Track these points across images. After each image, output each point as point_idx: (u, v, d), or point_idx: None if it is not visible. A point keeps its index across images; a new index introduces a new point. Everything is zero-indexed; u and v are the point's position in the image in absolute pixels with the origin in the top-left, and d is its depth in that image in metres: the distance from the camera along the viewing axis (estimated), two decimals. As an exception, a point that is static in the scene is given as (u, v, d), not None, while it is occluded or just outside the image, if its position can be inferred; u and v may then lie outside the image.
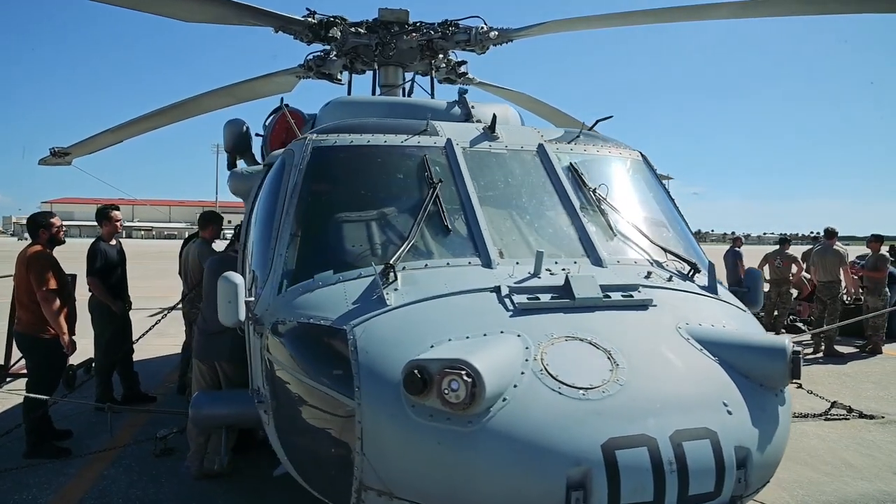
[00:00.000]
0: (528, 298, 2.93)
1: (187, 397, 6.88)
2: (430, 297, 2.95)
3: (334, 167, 3.87)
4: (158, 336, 8.02)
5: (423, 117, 4.38)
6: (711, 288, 3.48)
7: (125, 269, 7.47)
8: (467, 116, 4.72)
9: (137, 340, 7.18)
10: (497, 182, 3.86)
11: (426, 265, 3.24)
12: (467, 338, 2.69)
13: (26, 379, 5.98)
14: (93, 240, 7.33)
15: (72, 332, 5.92)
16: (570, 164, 4.05)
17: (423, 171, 3.77)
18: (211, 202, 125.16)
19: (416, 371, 2.42)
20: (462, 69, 8.40)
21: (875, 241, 11.25)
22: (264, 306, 3.37)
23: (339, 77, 8.57)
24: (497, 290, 2.99)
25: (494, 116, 4.14)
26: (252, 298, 3.62)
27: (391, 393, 2.54)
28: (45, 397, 5.74)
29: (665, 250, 3.68)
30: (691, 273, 3.55)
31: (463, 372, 2.36)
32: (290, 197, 3.70)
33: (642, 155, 4.58)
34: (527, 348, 2.64)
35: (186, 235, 8.65)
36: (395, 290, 3.00)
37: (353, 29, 7.30)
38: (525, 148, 4.11)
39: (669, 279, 3.40)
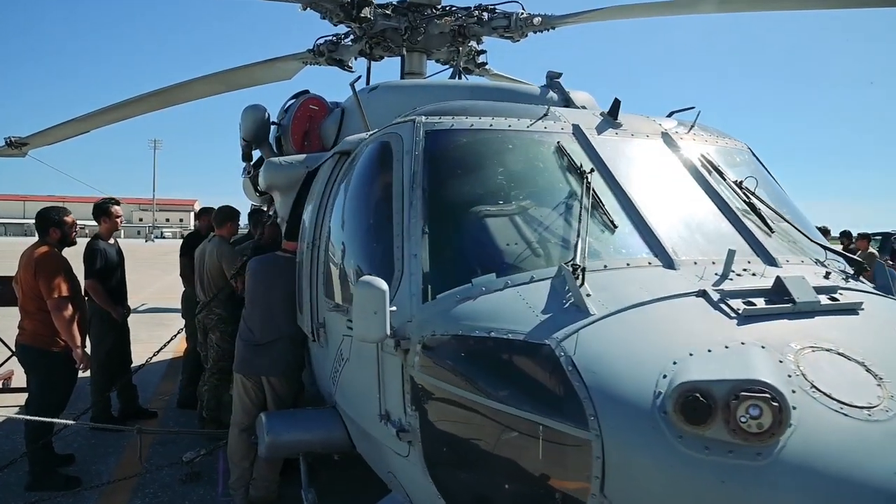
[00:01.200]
0: (744, 303, 2.51)
1: (203, 413, 6.14)
2: (635, 304, 2.48)
3: (458, 153, 3.33)
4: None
5: (517, 102, 3.92)
6: (885, 288, 3.18)
7: (124, 271, 6.62)
8: (566, 102, 4.27)
9: (157, 353, 6.30)
10: (633, 172, 3.42)
11: (605, 266, 2.77)
12: (709, 351, 2.25)
13: (27, 396, 5.13)
14: (84, 239, 6.45)
15: (83, 344, 5.11)
16: (701, 154, 3.66)
17: (561, 159, 3.30)
18: (147, 199, 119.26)
19: (696, 395, 1.96)
20: (482, 59, 7.93)
21: (862, 239, 11.50)
22: (404, 317, 2.81)
23: (350, 65, 7.94)
24: (704, 294, 2.55)
25: (617, 101, 3.70)
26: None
27: (644, 421, 2.06)
28: (53, 421, 4.92)
29: (825, 248, 3.34)
30: (855, 273, 3.23)
31: (766, 395, 1.92)
32: (411, 188, 3.14)
33: (749, 147, 4.26)
34: (780, 362, 2.22)
35: (186, 233, 7.78)
36: (587, 296, 2.52)
37: (382, 11, 6.71)
38: (650, 136, 3.70)
39: (847, 279, 3.06)
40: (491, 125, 3.39)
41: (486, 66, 8.14)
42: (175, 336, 6.71)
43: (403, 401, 2.81)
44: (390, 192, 3.27)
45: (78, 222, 5.23)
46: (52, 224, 5.00)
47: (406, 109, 4.74)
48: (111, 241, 6.45)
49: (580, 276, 2.55)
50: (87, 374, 5.93)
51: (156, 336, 11.46)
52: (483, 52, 7.88)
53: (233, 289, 5.84)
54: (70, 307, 4.83)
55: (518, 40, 6.85)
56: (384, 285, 2.63)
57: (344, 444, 3.78)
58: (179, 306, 14.97)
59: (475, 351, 2.53)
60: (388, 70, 8.49)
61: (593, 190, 3.05)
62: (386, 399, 2.96)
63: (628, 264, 2.82)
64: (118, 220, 6.38)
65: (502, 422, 2.39)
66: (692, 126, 3.94)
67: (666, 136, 3.71)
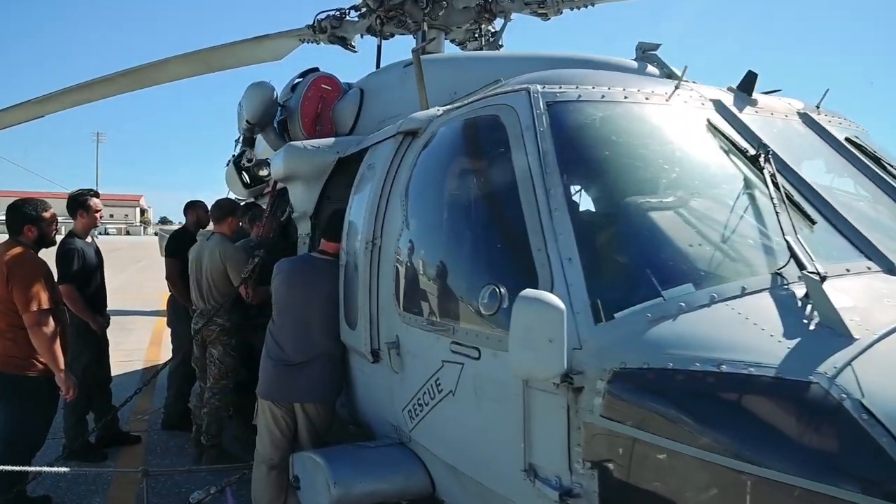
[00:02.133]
0: None
1: (203, 438, 5.22)
2: (903, 324, 1.84)
3: (595, 130, 2.61)
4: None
5: None
6: None
7: (104, 274, 5.60)
8: (669, 77, 3.61)
9: (157, 374, 5.31)
10: (796, 157, 2.78)
11: (825, 274, 2.12)
12: None
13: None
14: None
15: (67, 365, 4.15)
16: (848, 138, 3.07)
17: (720, 140, 2.63)
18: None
19: None
20: (500, 41, 7.21)
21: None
22: (568, 343, 2.08)
23: (353, 44, 7.09)
24: (975, 309, 1.94)
25: (752, 74, 3.06)
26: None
27: None
28: (27, 469, 3.93)
29: None
30: None
31: None
32: (543, 173, 2.40)
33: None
34: None
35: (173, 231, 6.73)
36: (833, 312, 1.86)
37: (401, -19, 5.91)
38: (788, 116, 3.08)
39: None
40: (625, 97, 2.69)
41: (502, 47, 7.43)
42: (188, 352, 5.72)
43: (569, 454, 2.07)
44: (507, 178, 2.52)
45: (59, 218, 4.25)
46: (28, 220, 4.02)
47: (463, 85, 4.01)
48: (88, 239, 5.43)
49: (816, 288, 1.89)
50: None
51: (119, 342, 10.32)
52: (496, 33, 7.16)
53: (239, 296, 4.96)
54: (51, 322, 3.87)
55: (549, 18, 6.16)
56: (560, 303, 1.90)
57: (424, 491, 3.02)
58: (140, 308, 13.69)
59: (699, 391, 1.83)
60: (392, 51, 7.64)
61: (779, 178, 2.39)
62: (534, 450, 2.21)
63: (848, 270, 2.18)
64: (97, 214, 5.36)
65: (752, 489, 1.70)
66: (818, 106, 3.36)
67: (805, 117, 3.10)
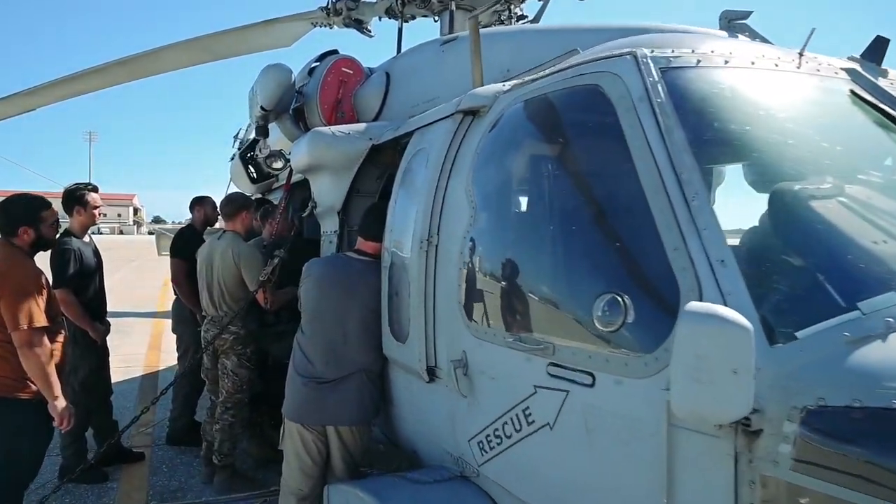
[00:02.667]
0: None
1: (215, 458, 4.68)
2: None
3: (727, 102, 2.10)
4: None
5: None
6: None
7: (103, 277, 5.05)
8: (765, 48, 3.11)
9: (164, 391, 4.76)
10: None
11: None
12: None
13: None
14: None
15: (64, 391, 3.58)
16: None
17: (865, 113, 2.14)
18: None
19: None
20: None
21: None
22: None
23: (369, 28, 6.55)
24: None
25: (883, 40, 2.57)
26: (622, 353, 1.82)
27: None
28: None
29: None
30: None
31: None
32: (671, 153, 1.88)
33: None
34: None
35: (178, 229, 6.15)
36: None
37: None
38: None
39: None
40: (752, 62, 2.19)
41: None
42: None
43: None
44: (619, 161, 2.01)
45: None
46: (25, 221, 3.44)
47: (519, 61, 3.50)
48: (86, 238, 4.87)
49: None
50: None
51: (116, 347, 9.72)
52: (524, 16, 6.64)
53: (255, 301, 4.43)
54: (46, 342, 3.31)
55: (584, -1, 5.66)
56: (746, 322, 1.39)
57: None
58: (136, 309, 13.09)
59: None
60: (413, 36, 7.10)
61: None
62: (681, 508, 1.70)
63: None
64: (96, 211, 4.81)
65: None
66: None
67: None
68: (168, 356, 9.24)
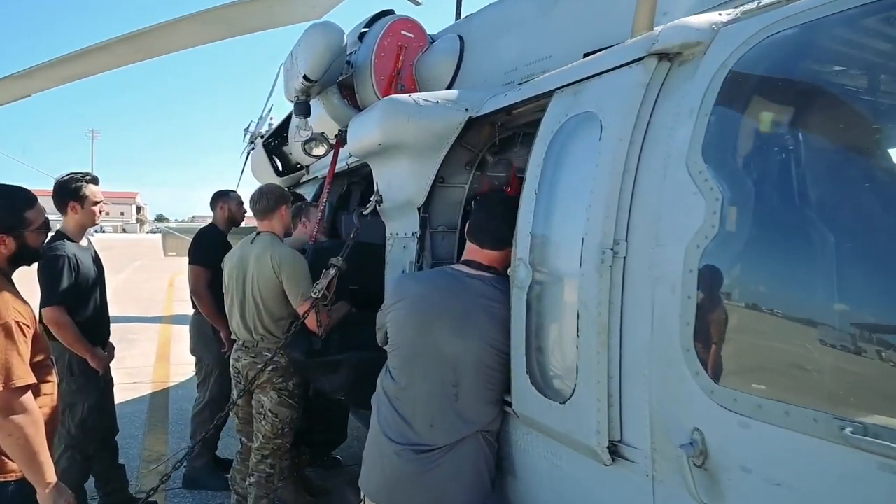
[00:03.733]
0: None
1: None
2: None
3: None
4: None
5: None
6: None
7: (105, 291, 3.97)
8: None
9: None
10: None
11: None
12: None
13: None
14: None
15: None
16: None
17: None
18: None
19: None
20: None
21: None
22: None
23: (420, -11, 5.48)
24: None
25: None
26: None
27: None
28: None
29: None
30: None
31: None
32: None
33: None
34: None
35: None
36: None
37: None
38: None
39: None
40: None
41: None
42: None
43: None
44: None
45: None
46: (3, 227, 2.35)
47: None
48: (83, 242, 3.79)
49: None
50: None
51: (121, 359, 8.61)
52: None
53: (304, 323, 3.36)
54: (32, 405, 2.23)
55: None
56: None
57: None
58: (141, 314, 11.99)
59: None
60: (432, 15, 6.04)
61: None
62: None
63: None
64: (96, 208, 3.72)
65: None
66: None
67: None
68: (179, 369, 8.17)
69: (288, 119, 6.39)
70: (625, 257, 1.78)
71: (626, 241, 1.78)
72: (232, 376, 3.71)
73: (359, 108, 4.05)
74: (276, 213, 3.67)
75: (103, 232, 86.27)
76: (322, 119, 4.38)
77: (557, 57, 2.79)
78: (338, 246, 4.06)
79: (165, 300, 15.32)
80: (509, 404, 2.27)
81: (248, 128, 11.06)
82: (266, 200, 3.65)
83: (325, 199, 4.18)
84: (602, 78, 2.00)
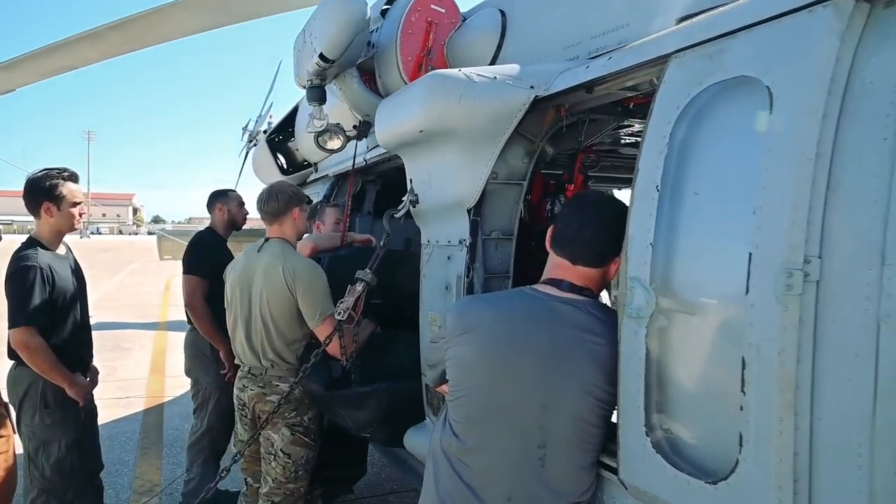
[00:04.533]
0: None
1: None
2: None
3: None
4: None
5: None
6: None
7: (86, 307, 3.35)
8: None
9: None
10: None
11: None
12: None
13: None
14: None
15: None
16: None
17: None
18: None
19: None
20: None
21: None
22: None
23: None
24: None
25: None
26: None
27: None
28: None
29: None
30: None
31: None
32: None
33: None
34: None
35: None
36: None
37: None
38: None
39: None
40: None
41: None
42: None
43: None
44: None
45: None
46: None
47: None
48: (61, 249, 3.18)
49: None
50: None
51: (113, 369, 8.04)
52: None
53: (322, 348, 2.77)
54: None
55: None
56: None
57: None
58: (136, 320, 11.36)
59: None
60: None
61: None
62: None
63: None
64: (75, 210, 3.11)
65: None
66: None
67: None
68: (174, 381, 7.55)
69: (293, 113, 5.80)
70: (818, 281, 1.21)
71: (820, 258, 1.21)
72: (236, 407, 3.12)
73: (381, 96, 3.48)
74: (288, 217, 3.07)
75: (99, 233, 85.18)
76: (337, 109, 3.79)
77: (637, 26, 2.22)
78: (355, 254, 3.48)
79: (162, 304, 14.67)
80: (608, 467, 1.70)
81: (246, 126, 10.48)
82: (276, 201, 3.06)
83: (349, 199, 3.59)
84: (758, 31, 1.42)
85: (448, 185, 2.42)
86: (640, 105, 2.48)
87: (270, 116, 9.83)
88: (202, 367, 4.03)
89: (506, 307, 1.72)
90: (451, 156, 2.36)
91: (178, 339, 9.49)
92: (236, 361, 3.14)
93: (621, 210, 1.71)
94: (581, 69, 2.05)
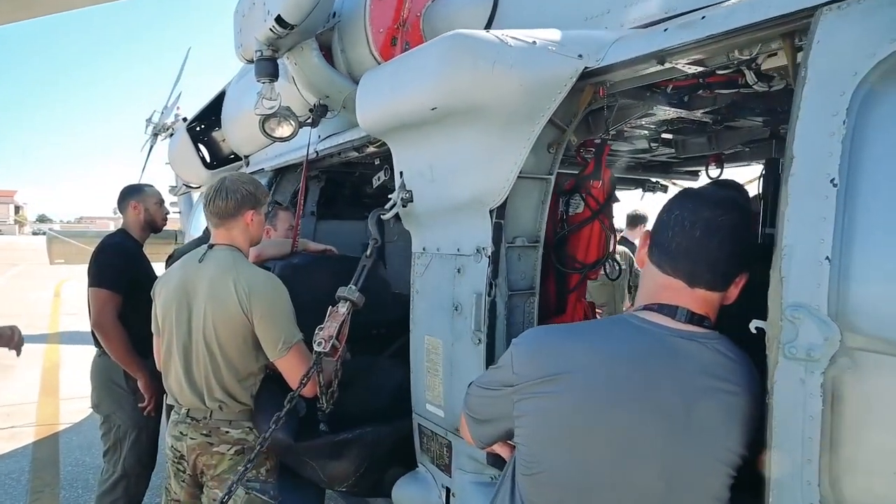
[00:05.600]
0: None
1: None
2: None
3: None
4: None
5: None
6: None
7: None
8: None
9: None
10: None
11: None
12: None
13: None
14: None
15: None
16: None
17: None
18: None
19: None
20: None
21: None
22: None
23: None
24: None
25: None
26: None
27: None
28: None
29: None
30: None
31: None
32: None
33: None
34: None
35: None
36: None
37: None
38: None
39: None
40: None
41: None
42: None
43: None
44: None
45: None
46: None
47: None
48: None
49: None
50: None
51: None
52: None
53: (281, 382, 2.15)
54: None
55: None
56: None
57: None
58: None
59: None
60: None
61: None
62: None
63: None
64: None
65: None
66: None
67: None
68: (70, 405, 6.46)
69: (218, 99, 4.99)
70: None
71: None
72: (169, 459, 2.40)
73: (343, 74, 2.88)
74: (239, 221, 2.39)
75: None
76: (287, 89, 3.12)
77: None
78: (312, 263, 2.87)
79: (51, 313, 12.92)
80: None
81: (150, 118, 9.37)
82: (224, 200, 2.36)
83: (301, 198, 2.95)
84: None
85: (462, 179, 1.88)
86: (679, 88, 2.06)
87: (178, 108, 8.80)
88: (114, 400, 3.21)
89: (607, 345, 1.20)
90: (471, 141, 1.82)
91: (74, 354, 8.21)
92: (169, 401, 2.42)
93: (747, 212, 1.26)
94: (658, 33, 1.58)
